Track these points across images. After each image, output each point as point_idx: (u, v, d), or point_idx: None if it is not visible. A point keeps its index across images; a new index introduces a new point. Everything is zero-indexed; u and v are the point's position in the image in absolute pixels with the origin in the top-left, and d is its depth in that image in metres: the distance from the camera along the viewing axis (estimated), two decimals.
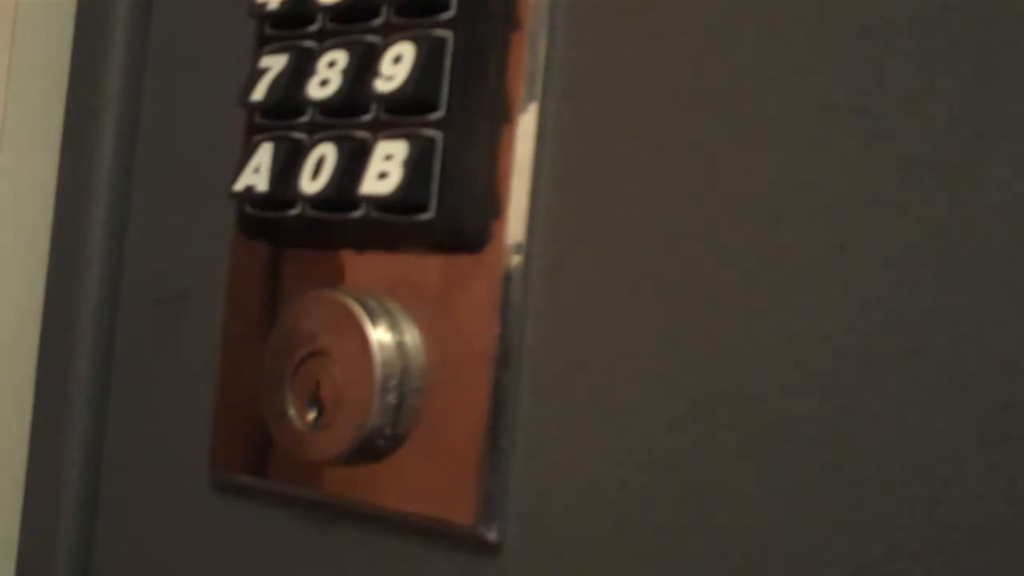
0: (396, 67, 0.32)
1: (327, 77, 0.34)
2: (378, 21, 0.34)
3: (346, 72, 0.33)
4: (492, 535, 0.32)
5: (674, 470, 0.29)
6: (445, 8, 0.32)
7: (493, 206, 0.32)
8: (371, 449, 0.32)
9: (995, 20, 0.25)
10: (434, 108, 0.32)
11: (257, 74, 0.35)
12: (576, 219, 0.31)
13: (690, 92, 0.29)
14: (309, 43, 0.35)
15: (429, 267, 0.33)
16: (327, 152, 0.33)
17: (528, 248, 0.32)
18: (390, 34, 0.33)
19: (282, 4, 0.35)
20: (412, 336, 0.33)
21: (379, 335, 0.32)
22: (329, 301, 0.33)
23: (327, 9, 0.35)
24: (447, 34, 0.32)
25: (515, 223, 0.32)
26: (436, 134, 0.32)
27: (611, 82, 0.31)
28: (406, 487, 0.33)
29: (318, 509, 0.36)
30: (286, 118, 0.35)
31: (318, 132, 0.34)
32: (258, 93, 0.35)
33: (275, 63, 0.35)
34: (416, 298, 0.33)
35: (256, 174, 0.35)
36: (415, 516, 0.33)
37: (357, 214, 0.33)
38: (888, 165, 0.26)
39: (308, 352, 0.33)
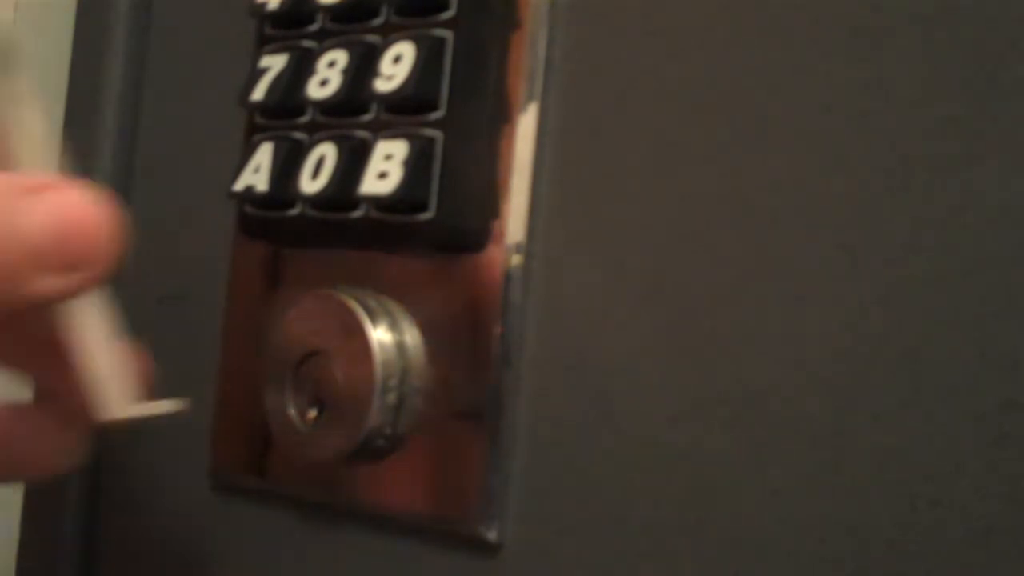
0: (396, 67, 0.32)
1: (327, 77, 0.34)
2: (378, 21, 0.34)
3: (346, 72, 0.33)
4: (492, 535, 0.32)
5: (674, 470, 0.29)
6: (445, 8, 0.32)
7: (493, 206, 0.32)
8: (371, 449, 0.32)
9: (995, 20, 0.25)
10: (434, 108, 0.32)
11: (257, 74, 0.35)
12: (576, 219, 0.31)
13: (690, 92, 0.29)
14: (309, 43, 0.35)
15: (429, 267, 0.33)
16: (327, 152, 0.33)
17: (528, 248, 0.32)
18: (390, 34, 0.33)
19: (282, 4, 0.35)
20: (412, 336, 0.33)
21: (379, 335, 0.32)
22: (329, 301, 0.33)
23: (327, 9, 0.35)
24: (447, 34, 0.32)
25: (515, 223, 0.32)
26: (436, 134, 0.32)
27: (611, 82, 0.31)
28: (406, 487, 0.33)
29: (318, 509, 0.36)
30: (286, 118, 0.35)
31: (318, 132, 0.34)
32: (258, 93, 0.35)
33: (275, 63, 0.35)
34: (416, 298, 0.33)
35: (256, 174, 0.35)
36: (415, 516, 0.33)
37: (357, 214, 0.33)
38: (888, 165, 0.26)
39: (308, 352, 0.33)
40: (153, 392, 0.30)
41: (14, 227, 0.25)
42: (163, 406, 0.29)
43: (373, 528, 0.35)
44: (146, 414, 0.29)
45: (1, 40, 0.27)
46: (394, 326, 0.33)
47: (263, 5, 0.36)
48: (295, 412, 0.34)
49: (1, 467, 0.30)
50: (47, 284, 0.25)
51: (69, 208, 0.26)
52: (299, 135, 0.35)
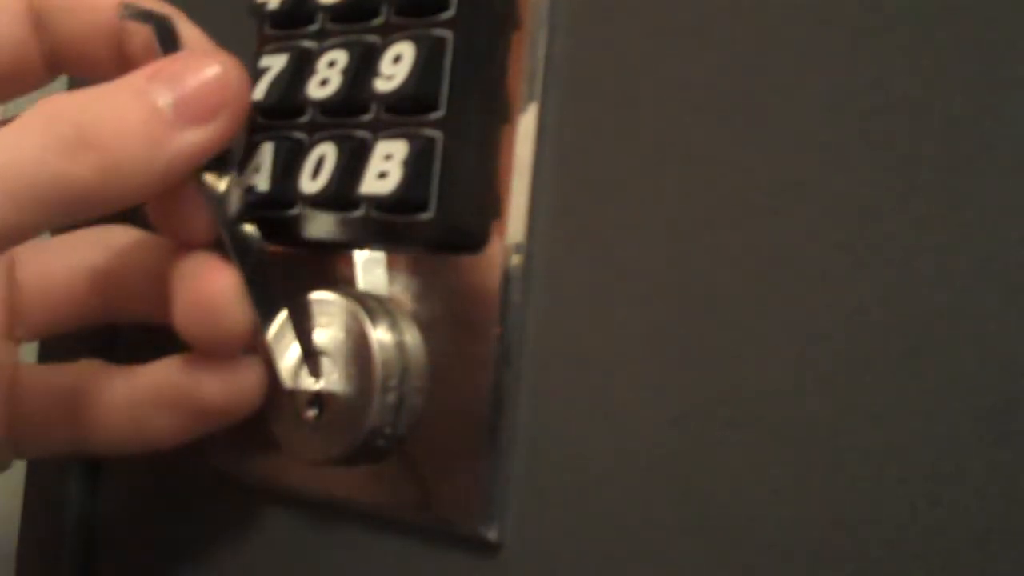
0: (396, 67, 0.32)
1: (327, 77, 0.34)
2: (378, 21, 0.34)
3: (346, 72, 0.33)
4: (492, 535, 0.32)
5: (674, 470, 0.29)
6: (445, 8, 0.32)
7: (493, 206, 0.32)
8: (371, 449, 0.32)
9: (995, 20, 0.25)
10: (434, 108, 0.32)
11: (257, 74, 0.35)
12: (576, 219, 0.31)
13: (690, 92, 0.29)
14: (309, 43, 0.35)
15: (429, 267, 0.33)
16: (327, 152, 0.33)
17: (528, 248, 0.32)
18: (390, 34, 0.33)
19: (282, 4, 0.35)
20: (412, 336, 0.33)
21: (379, 335, 0.32)
22: (329, 301, 0.33)
23: (327, 9, 0.35)
24: (447, 34, 0.32)
25: (515, 223, 0.32)
26: (436, 134, 0.32)
27: (611, 82, 0.31)
28: (406, 487, 0.33)
29: (318, 509, 0.36)
30: (286, 118, 0.35)
31: (318, 132, 0.34)
32: (258, 93, 0.35)
33: (275, 63, 0.35)
34: (416, 298, 0.33)
35: (256, 174, 0.35)
36: (415, 516, 0.33)
37: (357, 214, 0.33)
38: (888, 165, 0.26)
39: (308, 352, 0.33)
40: None
41: (146, 90, 0.25)
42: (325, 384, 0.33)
43: (373, 528, 0.35)
44: (320, 388, 0.33)
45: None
46: (394, 326, 0.33)
47: (263, 5, 0.36)
48: (295, 412, 0.34)
49: (181, 414, 0.33)
50: (189, 138, 0.26)
51: (197, 61, 0.27)
52: (299, 135, 0.35)
